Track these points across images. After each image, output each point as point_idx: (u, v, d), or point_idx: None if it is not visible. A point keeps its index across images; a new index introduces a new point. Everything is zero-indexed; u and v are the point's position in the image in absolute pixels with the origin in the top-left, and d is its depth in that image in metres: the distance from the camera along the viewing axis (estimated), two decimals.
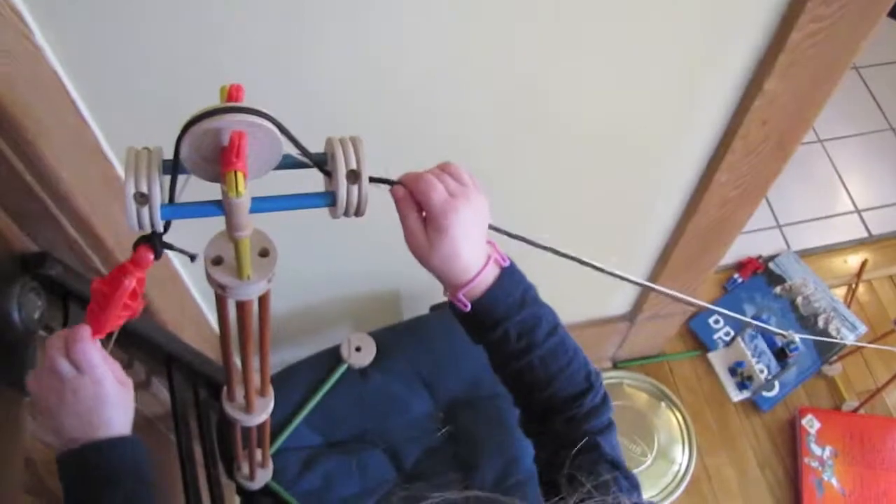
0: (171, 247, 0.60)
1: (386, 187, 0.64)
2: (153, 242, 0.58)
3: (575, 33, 0.89)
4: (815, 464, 1.81)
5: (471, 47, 0.88)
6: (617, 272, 0.79)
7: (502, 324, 0.75)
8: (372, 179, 0.60)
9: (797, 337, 1.00)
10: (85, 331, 0.64)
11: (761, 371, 1.62)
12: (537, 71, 0.94)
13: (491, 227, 0.74)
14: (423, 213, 0.72)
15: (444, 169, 0.75)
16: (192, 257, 0.63)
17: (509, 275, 0.75)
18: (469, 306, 0.75)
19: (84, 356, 0.64)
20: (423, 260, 0.75)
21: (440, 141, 1.02)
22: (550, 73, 0.95)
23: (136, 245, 0.59)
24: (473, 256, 0.73)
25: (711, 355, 1.35)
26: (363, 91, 0.90)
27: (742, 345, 1.35)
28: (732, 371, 1.38)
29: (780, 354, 1.27)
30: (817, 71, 1.00)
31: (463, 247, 0.72)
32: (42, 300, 0.85)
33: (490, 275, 0.74)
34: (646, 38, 0.93)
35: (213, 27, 0.78)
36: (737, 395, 1.24)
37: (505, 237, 0.74)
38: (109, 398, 0.66)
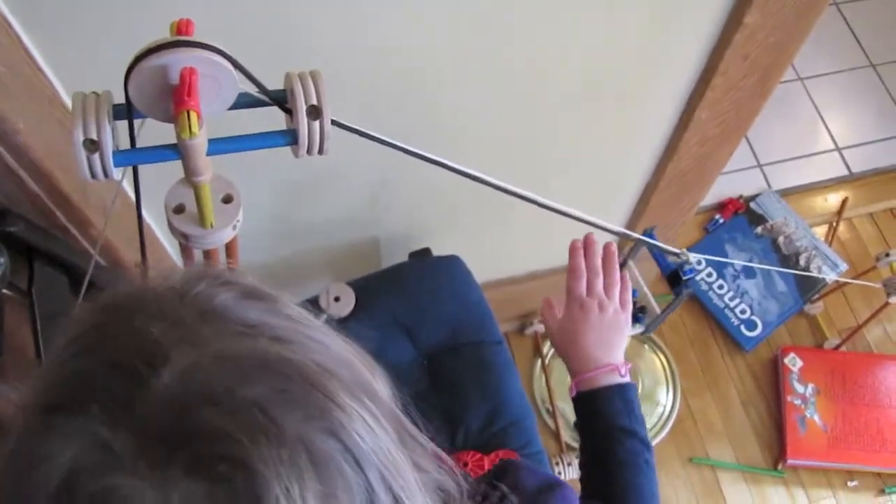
0: None
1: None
2: None
3: None
4: (797, 401, 1.82)
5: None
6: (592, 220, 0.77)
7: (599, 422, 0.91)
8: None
9: (692, 257, 0.93)
10: None
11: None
12: (513, 13, 0.91)
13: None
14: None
15: (608, 270, 0.99)
16: None
17: (620, 392, 0.91)
18: (575, 392, 0.93)
19: None
20: (551, 338, 0.98)
21: (415, 91, 0.99)
22: (525, 14, 0.92)
23: None
24: (590, 356, 0.92)
25: None
26: (333, 28, 0.86)
27: (634, 269, 1.16)
28: None
29: (674, 279, 1.06)
30: (798, 2, 0.97)
31: (582, 340, 0.93)
32: (4, 258, 0.82)
33: (603, 381, 0.91)
34: None
35: None
36: (629, 329, 1.05)
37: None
38: None
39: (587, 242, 1.02)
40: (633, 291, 1.09)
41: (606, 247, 1.03)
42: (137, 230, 0.98)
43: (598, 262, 1.01)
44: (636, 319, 1.14)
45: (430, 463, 0.46)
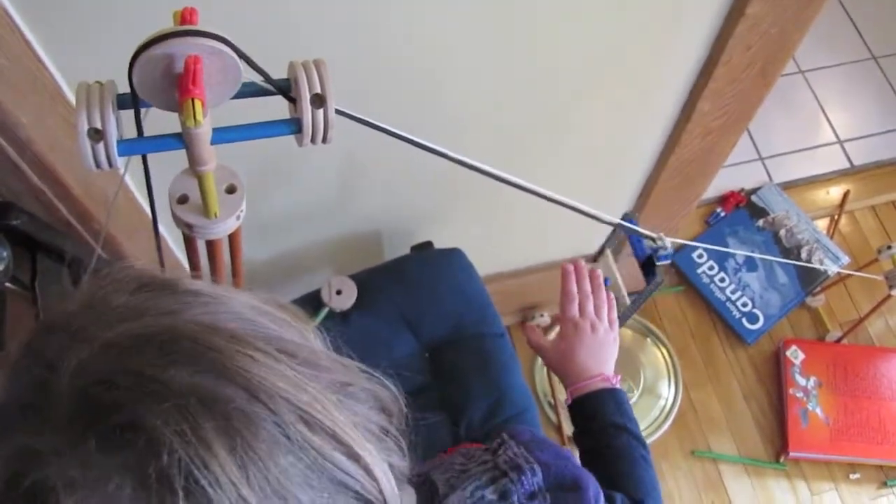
0: None
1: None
2: None
3: None
4: (799, 394, 1.82)
5: None
6: (591, 211, 0.77)
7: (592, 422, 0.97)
8: None
9: (668, 241, 0.93)
10: None
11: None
12: (515, 4, 0.91)
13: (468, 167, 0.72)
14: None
15: (597, 293, 1.07)
16: None
17: (613, 395, 0.99)
18: (570, 400, 1.00)
19: None
20: (544, 357, 1.07)
21: (417, 83, 0.99)
22: (527, 5, 0.92)
23: None
24: (584, 368, 1.00)
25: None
26: (338, 17, 0.86)
27: (609, 258, 1.13)
28: None
29: (648, 265, 1.05)
30: None
31: (576, 356, 1.00)
32: (7, 252, 0.82)
33: (595, 386, 0.98)
34: None
35: None
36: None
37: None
38: None
39: (577, 268, 1.08)
40: (606, 280, 1.11)
41: (591, 273, 1.10)
42: (138, 223, 0.98)
43: (588, 286, 1.08)
44: None
45: (355, 377, 0.49)
